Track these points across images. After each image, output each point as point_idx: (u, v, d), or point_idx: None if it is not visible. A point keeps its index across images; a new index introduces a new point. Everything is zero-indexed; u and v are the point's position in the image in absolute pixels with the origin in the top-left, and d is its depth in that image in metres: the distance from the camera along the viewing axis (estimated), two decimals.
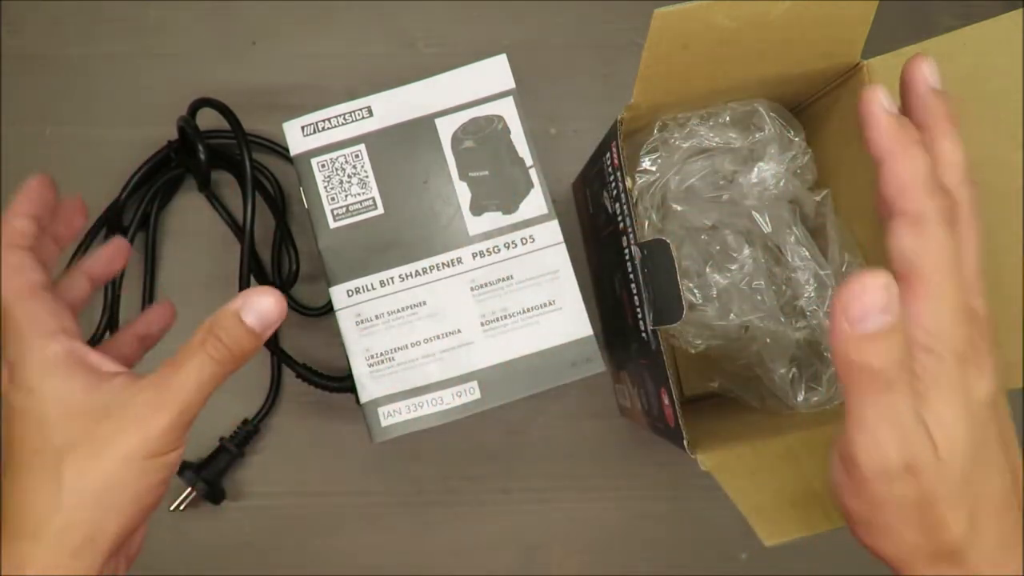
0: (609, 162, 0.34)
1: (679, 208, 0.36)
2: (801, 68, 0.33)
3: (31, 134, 0.45)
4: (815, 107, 0.38)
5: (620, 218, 0.34)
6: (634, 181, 0.36)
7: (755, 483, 0.30)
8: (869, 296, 0.21)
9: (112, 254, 0.33)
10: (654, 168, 0.36)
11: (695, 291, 0.36)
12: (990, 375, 0.23)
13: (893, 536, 0.23)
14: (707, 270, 0.36)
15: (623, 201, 0.33)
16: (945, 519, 0.22)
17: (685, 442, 0.30)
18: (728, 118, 0.36)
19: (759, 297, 0.36)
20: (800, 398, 0.37)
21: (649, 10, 0.27)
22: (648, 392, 0.35)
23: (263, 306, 0.27)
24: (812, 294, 0.36)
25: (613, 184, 0.34)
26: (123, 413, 0.25)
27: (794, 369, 0.37)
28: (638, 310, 0.33)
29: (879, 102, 0.24)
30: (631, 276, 0.33)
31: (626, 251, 0.34)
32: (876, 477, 0.22)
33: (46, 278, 0.28)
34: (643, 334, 0.33)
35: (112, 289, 0.42)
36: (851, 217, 0.37)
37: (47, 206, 0.29)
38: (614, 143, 0.32)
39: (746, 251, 0.36)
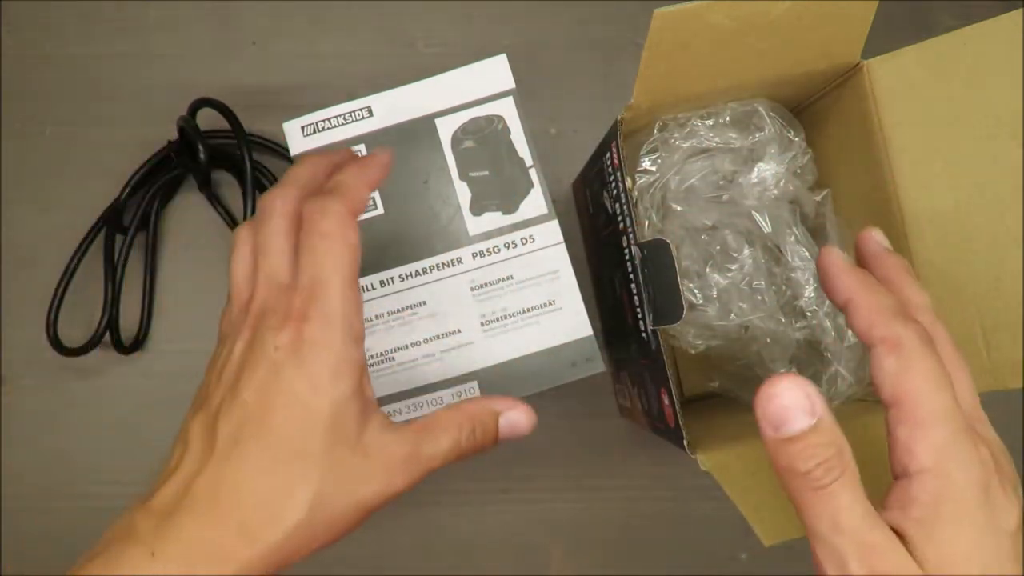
0: (609, 162, 0.34)
1: (679, 208, 0.36)
2: (801, 68, 0.33)
3: (31, 134, 0.45)
4: (815, 107, 0.38)
5: (620, 218, 0.34)
6: (634, 181, 0.36)
7: (755, 483, 0.30)
8: (786, 398, 0.21)
9: (386, 166, 0.29)
10: (654, 168, 0.36)
11: (695, 291, 0.36)
12: (1015, 506, 0.21)
13: None
14: (707, 270, 0.36)
15: (623, 201, 0.33)
16: None
17: (685, 442, 0.30)
18: (728, 118, 0.36)
19: (759, 297, 0.36)
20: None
21: (649, 10, 0.27)
22: (648, 392, 0.35)
23: (519, 420, 0.28)
24: (812, 294, 0.36)
25: (613, 184, 0.34)
26: (379, 459, 0.25)
27: (794, 369, 0.37)
28: (638, 310, 0.33)
29: (836, 255, 0.25)
30: (631, 276, 0.33)
31: (626, 251, 0.34)
32: None
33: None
34: (643, 334, 0.33)
35: (112, 289, 0.42)
36: (851, 217, 0.37)
37: (375, 187, 0.28)
38: (614, 143, 0.32)
39: (746, 251, 0.36)
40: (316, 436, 0.24)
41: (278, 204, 0.27)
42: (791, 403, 0.21)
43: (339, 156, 0.30)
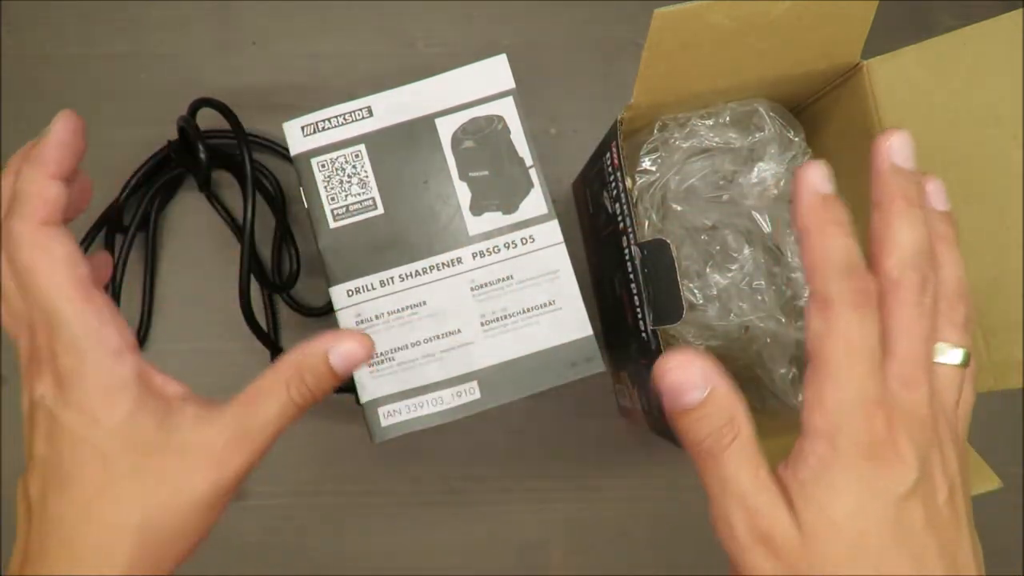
0: (609, 162, 0.34)
1: (679, 208, 0.37)
2: (801, 68, 0.33)
3: (31, 134, 0.45)
4: (815, 107, 0.38)
5: (620, 218, 0.34)
6: (634, 181, 0.36)
7: None
8: (680, 373, 0.22)
9: (64, 136, 0.25)
10: (654, 168, 0.36)
11: (695, 291, 0.36)
12: (904, 475, 0.21)
13: None
14: (707, 270, 0.36)
15: (623, 201, 0.33)
16: None
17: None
18: (728, 118, 0.36)
19: (759, 297, 0.36)
20: (801, 399, 0.37)
21: (649, 10, 0.27)
22: (648, 392, 0.35)
23: (350, 349, 0.26)
24: None
25: (613, 184, 0.34)
26: (199, 453, 0.23)
27: (794, 369, 0.37)
28: (638, 310, 0.33)
29: (808, 180, 0.23)
30: (631, 276, 0.33)
31: (626, 251, 0.34)
32: (734, 549, 0.22)
33: (90, 267, 0.24)
34: (643, 334, 0.33)
35: (111, 289, 0.42)
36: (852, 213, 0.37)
37: (76, 157, 0.25)
38: (614, 143, 0.32)
39: (746, 251, 0.36)
40: (114, 464, 0.23)
41: None
42: (685, 377, 0.22)
43: (27, 147, 0.26)
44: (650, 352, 0.33)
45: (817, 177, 0.23)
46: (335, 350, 0.26)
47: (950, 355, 0.23)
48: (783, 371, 0.37)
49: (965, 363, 0.23)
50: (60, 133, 0.25)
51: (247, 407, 0.25)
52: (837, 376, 0.21)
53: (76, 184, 0.26)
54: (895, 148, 0.23)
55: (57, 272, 0.23)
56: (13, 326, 0.25)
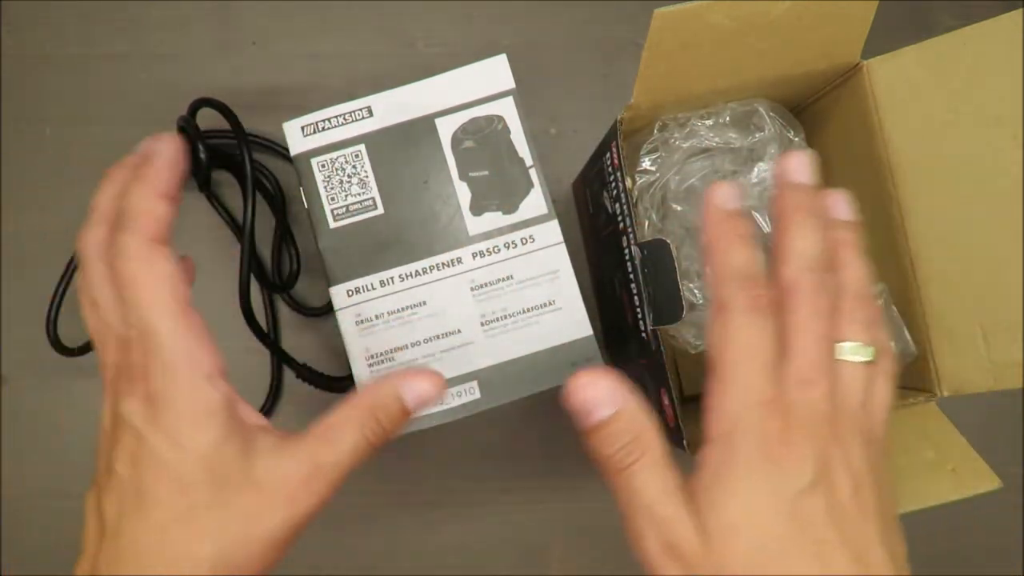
0: (609, 162, 0.34)
1: (679, 208, 0.37)
2: (801, 68, 0.33)
3: (31, 134, 0.45)
4: (815, 107, 0.38)
5: (620, 218, 0.34)
6: (634, 181, 0.36)
7: None
8: (590, 391, 0.23)
9: (171, 156, 0.26)
10: (654, 168, 0.36)
11: (695, 291, 0.36)
12: (801, 471, 0.21)
13: None
14: (707, 270, 0.36)
15: (623, 201, 0.33)
16: None
17: (685, 442, 0.30)
18: (728, 118, 0.36)
19: None
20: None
21: (649, 10, 0.27)
22: (648, 392, 0.35)
23: (422, 390, 0.26)
24: None
25: (613, 184, 0.34)
26: (275, 489, 0.23)
27: None
28: (638, 310, 0.33)
29: (712, 198, 0.24)
30: (631, 276, 0.33)
31: (626, 251, 0.34)
32: (646, 562, 0.22)
33: (189, 289, 0.24)
34: (643, 334, 0.33)
35: None
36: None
37: (182, 178, 0.25)
38: (614, 143, 0.32)
39: None
40: (195, 493, 0.23)
41: (89, 248, 0.25)
42: (593, 395, 0.23)
43: (132, 163, 0.26)
44: (650, 352, 0.33)
45: (722, 195, 0.24)
46: (408, 389, 0.26)
47: (852, 353, 0.23)
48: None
49: (871, 360, 0.24)
50: (169, 154, 0.25)
51: (322, 444, 0.24)
52: (733, 380, 0.22)
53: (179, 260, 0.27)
54: (792, 166, 0.25)
55: (160, 289, 0.23)
56: (99, 335, 0.25)
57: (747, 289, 0.23)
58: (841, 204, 0.26)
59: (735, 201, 0.24)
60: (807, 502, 0.21)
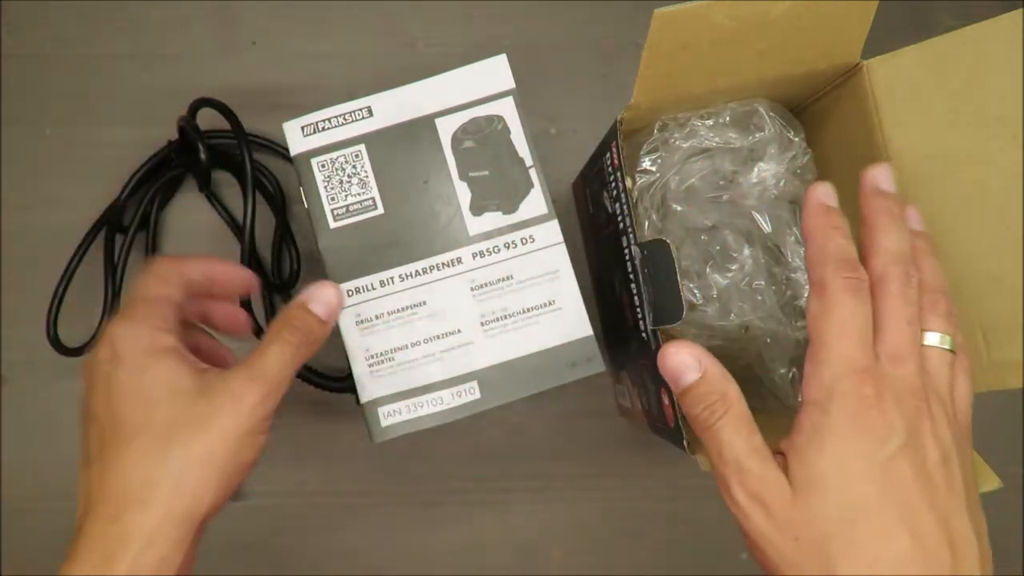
0: (609, 162, 0.34)
1: (679, 208, 0.36)
2: (801, 68, 0.33)
3: (31, 134, 0.45)
4: (815, 107, 0.38)
5: (620, 218, 0.34)
6: (634, 181, 0.36)
7: None
8: (677, 358, 0.26)
9: (236, 274, 0.34)
10: (654, 168, 0.36)
11: (695, 291, 0.36)
12: (891, 435, 0.23)
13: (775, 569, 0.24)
14: (707, 270, 0.36)
15: (623, 201, 0.33)
16: (802, 563, 0.23)
17: (685, 442, 0.30)
18: (728, 118, 0.36)
19: (759, 297, 0.36)
20: (800, 399, 0.36)
21: (649, 10, 0.27)
22: (648, 392, 0.35)
23: (325, 296, 0.31)
24: None
25: (613, 184, 0.34)
26: (221, 393, 0.28)
27: (794, 370, 0.37)
28: (638, 310, 0.33)
29: (816, 194, 0.27)
30: (631, 276, 0.33)
31: (626, 251, 0.34)
32: (734, 511, 0.25)
33: (178, 309, 0.30)
34: (643, 334, 0.33)
35: (112, 289, 0.42)
36: (851, 218, 0.37)
37: (225, 288, 0.33)
38: (614, 143, 0.32)
39: (746, 251, 0.36)
40: (158, 407, 0.27)
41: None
42: (681, 361, 0.26)
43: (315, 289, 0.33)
44: (650, 352, 0.33)
45: (823, 192, 0.27)
46: (312, 300, 0.31)
47: (935, 339, 0.26)
48: (783, 371, 0.37)
49: (952, 350, 0.26)
50: (336, 301, 0.33)
51: (253, 357, 0.29)
52: (830, 350, 0.24)
53: (229, 313, 0.35)
54: (879, 176, 0.28)
55: (151, 282, 0.30)
56: None
57: (845, 271, 0.25)
58: (916, 217, 0.29)
59: (833, 199, 0.27)
60: (896, 465, 0.23)
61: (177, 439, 0.27)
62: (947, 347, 0.26)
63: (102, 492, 0.27)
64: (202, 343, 0.34)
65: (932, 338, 0.26)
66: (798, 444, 0.24)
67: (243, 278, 0.34)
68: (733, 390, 0.26)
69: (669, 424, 0.32)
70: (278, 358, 0.29)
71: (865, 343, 0.24)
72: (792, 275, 0.36)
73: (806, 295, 0.36)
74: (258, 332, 0.40)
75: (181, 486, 0.26)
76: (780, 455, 0.25)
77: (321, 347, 0.31)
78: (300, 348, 0.30)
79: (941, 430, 0.24)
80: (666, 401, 0.32)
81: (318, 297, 0.31)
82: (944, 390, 0.25)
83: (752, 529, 0.24)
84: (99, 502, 0.26)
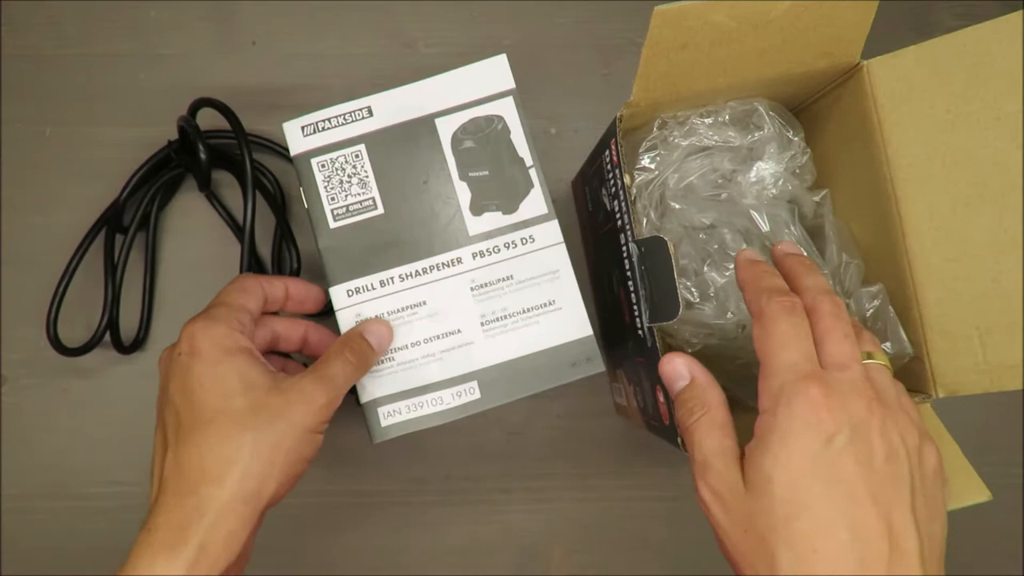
0: (608, 159, 0.34)
1: (677, 206, 0.36)
2: (801, 68, 0.33)
3: (31, 134, 0.45)
4: (815, 108, 0.38)
5: (618, 215, 0.34)
6: (632, 178, 0.36)
7: None
8: (669, 368, 0.29)
9: (309, 294, 0.37)
10: (653, 166, 0.36)
11: (692, 289, 0.36)
12: (835, 432, 0.24)
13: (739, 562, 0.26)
14: (705, 269, 0.36)
15: (621, 198, 0.33)
16: (750, 554, 0.25)
17: (679, 439, 0.30)
18: (728, 117, 0.36)
19: None
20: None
21: (648, 10, 0.27)
22: (644, 390, 0.35)
23: (379, 331, 0.34)
24: None
25: (612, 181, 0.34)
26: (292, 390, 0.30)
27: None
28: (635, 307, 0.33)
29: (744, 254, 0.30)
30: (628, 274, 0.33)
31: (624, 248, 0.34)
32: (701, 505, 0.27)
33: (254, 319, 0.34)
34: (640, 331, 0.33)
35: (112, 289, 0.42)
36: (849, 218, 0.37)
37: (299, 305, 0.37)
38: (613, 140, 0.32)
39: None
40: (233, 397, 0.30)
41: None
42: (673, 369, 0.29)
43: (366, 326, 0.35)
44: (646, 349, 0.33)
45: (748, 252, 0.31)
46: (370, 334, 0.34)
47: (872, 359, 0.28)
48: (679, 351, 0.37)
49: (885, 363, 0.28)
50: (388, 336, 0.35)
51: (319, 365, 0.32)
52: (775, 361, 0.26)
53: (293, 331, 0.37)
54: (784, 246, 0.31)
55: (233, 293, 0.34)
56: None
57: (778, 296, 0.27)
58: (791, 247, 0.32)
59: (760, 256, 0.31)
60: (840, 461, 0.24)
61: (251, 425, 0.29)
62: (884, 363, 0.28)
63: (178, 471, 0.29)
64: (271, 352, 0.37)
65: (869, 358, 0.28)
66: (749, 448, 0.26)
67: (317, 295, 0.37)
68: (715, 396, 0.28)
69: (664, 422, 0.32)
70: (342, 370, 0.32)
71: (807, 352, 0.26)
72: None
73: None
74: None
75: (252, 468, 0.29)
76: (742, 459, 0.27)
77: (366, 372, 0.34)
78: (357, 367, 0.33)
79: (888, 427, 0.25)
80: (661, 399, 0.32)
81: (373, 330, 0.34)
82: (890, 394, 0.27)
83: (713, 522, 0.27)
84: (175, 478, 0.29)
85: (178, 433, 0.30)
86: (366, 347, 0.33)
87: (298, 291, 0.36)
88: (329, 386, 0.31)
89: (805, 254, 0.32)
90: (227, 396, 0.30)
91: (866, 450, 0.24)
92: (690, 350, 0.37)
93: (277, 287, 0.35)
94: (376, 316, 0.35)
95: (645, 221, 0.36)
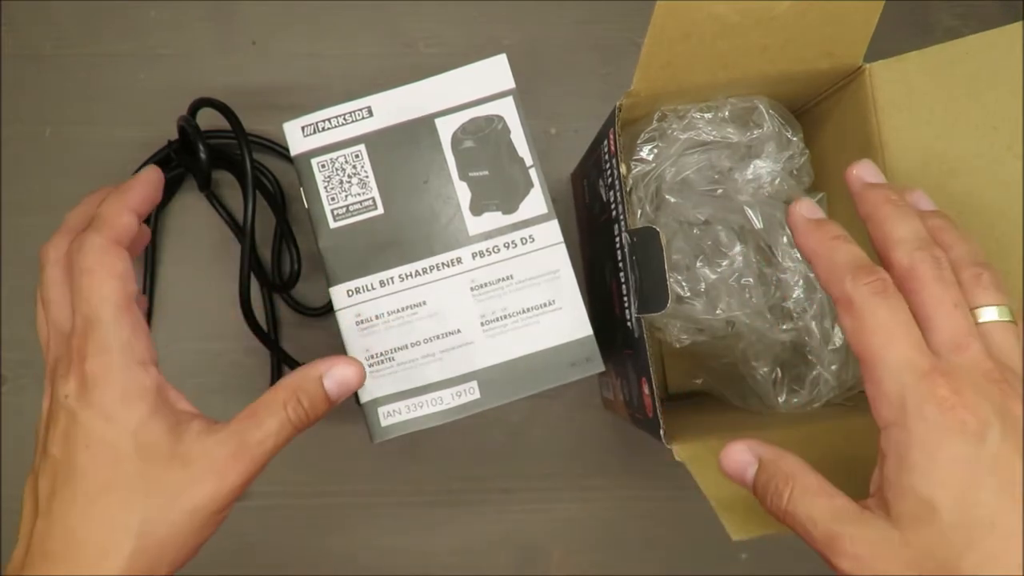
0: (606, 148, 0.34)
1: (673, 200, 0.36)
2: (802, 67, 0.33)
3: (31, 134, 0.45)
4: (815, 110, 0.38)
5: (613, 205, 0.34)
6: (629, 168, 0.36)
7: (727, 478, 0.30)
8: (733, 458, 0.25)
9: (147, 181, 0.29)
10: (650, 158, 0.36)
11: (683, 284, 0.36)
12: (984, 428, 0.21)
13: None
14: (698, 264, 0.36)
15: (617, 188, 0.33)
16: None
17: (662, 431, 0.30)
18: (728, 113, 0.36)
19: (747, 294, 0.36)
20: (782, 399, 0.37)
21: (648, 10, 0.27)
22: (630, 382, 0.35)
23: (345, 375, 0.28)
24: (801, 296, 0.36)
25: (608, 171, 0.34)
26: (201, 463, 0.25)
27: (777, 370, 0.37)
28: (625, 299, 0.33)
29: (797, 212, 0.26)
30: (620, 264, 0.33)
31: (617, 239, 0.34)
32: None
33: (136, 288, 0.27)
34: (628, 323, 0.33)
35: None
36: (846, 223, 0.37)
37: (151, 205, 0.29)
38: (611, 130, 0.32)
39: (737, 248, 0.36)
40: (124, 465, 0.24)
41: (50, 253, 0.27)
42: (736, 460, 0.25)
43: (109, 189, 0.29)
44: (634, 341, 0.33)
45: (806, 208, 0.26)
46: (331, 375, 0.27)
47: (992, 314, 0.23)
48: (766, 371, 0.37)
49: (1011, 320, 0.23)
50: (148, 177, 0.29)
51: (247, 423, 0.26)
52: (883, 362, 0.22)
53: (140, 234, 0.29)
54: (863, 171, 0.26)
55: (109, 281, 0.25)
56: (46, 333, 0.27)
57: (865, 277, 0.23)
58: (923, 198, 0.26)
59: (819, 211, 0.26)
60: (1002, 458, 0.21)
61: (142, 512, 0.24)
62: (1006, 319, 0.23)
63: (49, 543, 0.24)
64: None
65: (987, 313, 0.23)
66: (888, 475, 0.22)
67: (156, 185, 0.29)
68: (791, 464, 0.24)
69: (647, 414, 0.32)
70: (275, 435, 0.26)
71: (917, 343, 0.22)
72: (782, 276, 0.36)
73: (794, 296, 0.36)
74: (258, 332, 0.40)
75: (137, 559, 0.24)
76: (872, 498, 0.23)
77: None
78: (298, 426, 0.27)
79: None
80: (646, 391, 0.32)
81: (337, 375, 0.28)
82: (1018, 362, 0.23)
83: None
84: (44, 553, 0.24)
85: (52, 499, 0.24)
86: (320, 398, 0.27)
87: (145, 200, 0.29)
88: (250, 459, 0.25)
89: (885, 181, 0.27)
90: (117, 462, 0.24)
91: (1018, 435, 0.21)
92: (679, 345, 0.37)
93: (133, 225, 0.27)
94: (350, 357, 0.29)
95: (640, 214, 0.36)
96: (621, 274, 0.33)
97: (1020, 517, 0.20)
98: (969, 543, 0.20)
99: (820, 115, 0.38)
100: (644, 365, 0.31)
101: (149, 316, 0.45)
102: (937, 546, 0.20)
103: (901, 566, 0.21)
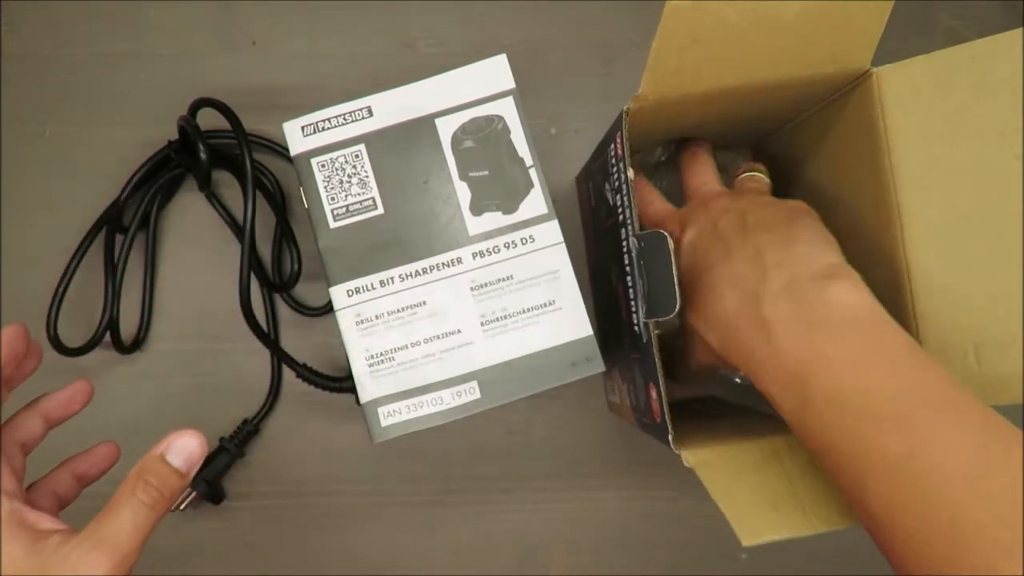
0: (612, 152, 0.34)
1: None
2: (809, 71, 0.32)
3: (31, 134, 0.45)
4: (823, 113, 0.38)
5: (620, 209, 0.34)
6: (636, 172, 0.36)
7: (737, 483, 0.29)
8: None
9: (71, 396, 0.31)
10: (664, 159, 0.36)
11: None
12: (724, 210, 0.32)
13: None
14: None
15: (624, 192, 0.33)
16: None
17: (670, 437, 0.30)
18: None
19: None
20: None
21: (649, 10, 0.27)
22: (637, 387, 0.35)
23: (186, 447, 0.28)
24: None
25: (615, 175, 0.34)
26: (63, 569, 0.24)
27: None
28: (632, 303, 0.33)
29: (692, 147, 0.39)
30: (627, 268, 0.33)
31: (624, 243, 0.34)
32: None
33: (20, 451, 0.28)
34: (635, 327, 0.33)
35: (112, 289, 0.42)
36: (855, 225, 0.37)
37: (16, 357, 0.29)
38: (619, 133, 0.32)
39: None
40: None
41: None
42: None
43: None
44: (641, 346, 0.33)
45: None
46: (169, 450, 0.28)
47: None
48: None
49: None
50: (198, 451, 0.28)
51: (102, 518, 0.26)
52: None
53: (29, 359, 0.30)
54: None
55: None
56: None
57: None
58: None
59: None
60: (722, 223, 0.32)
61: None
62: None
63: None
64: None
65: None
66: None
67: (81, 394, 0.31)
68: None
69: (655, 419, 0.32)
70: (131, 521, 0.26)
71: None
72: None
73: None
74: (258, 332, 0.40)
75: None
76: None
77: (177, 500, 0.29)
78: (156, 507, 0.27)
79: (743, 204, 0.33)
80: (654, 396, 0.32)
81: (177, 447, 0.28)
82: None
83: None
84: None
85: None
86: (169, 475, 0.27)
87: (58, 407, 0.31)
88: (110, 552, 0.25)
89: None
90: None
91: (739, 216, 0.32)
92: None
93: (31, 424, 0.30)
94: (187, 428, 0.28)
95: None
96: (628, 278, 0.33)
97: (717, 251, 0.31)
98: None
99: (827, 119, 0.37)
100: (652, 370, 0.31)
101: (148, 315, 0.45)
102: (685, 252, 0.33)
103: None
